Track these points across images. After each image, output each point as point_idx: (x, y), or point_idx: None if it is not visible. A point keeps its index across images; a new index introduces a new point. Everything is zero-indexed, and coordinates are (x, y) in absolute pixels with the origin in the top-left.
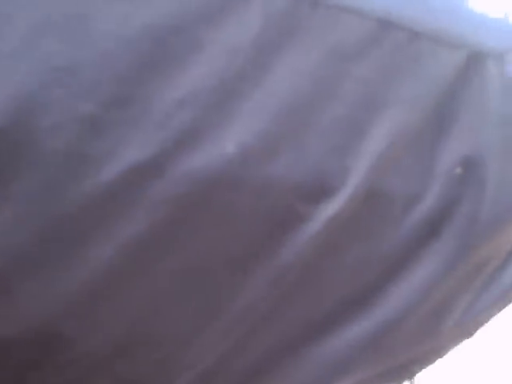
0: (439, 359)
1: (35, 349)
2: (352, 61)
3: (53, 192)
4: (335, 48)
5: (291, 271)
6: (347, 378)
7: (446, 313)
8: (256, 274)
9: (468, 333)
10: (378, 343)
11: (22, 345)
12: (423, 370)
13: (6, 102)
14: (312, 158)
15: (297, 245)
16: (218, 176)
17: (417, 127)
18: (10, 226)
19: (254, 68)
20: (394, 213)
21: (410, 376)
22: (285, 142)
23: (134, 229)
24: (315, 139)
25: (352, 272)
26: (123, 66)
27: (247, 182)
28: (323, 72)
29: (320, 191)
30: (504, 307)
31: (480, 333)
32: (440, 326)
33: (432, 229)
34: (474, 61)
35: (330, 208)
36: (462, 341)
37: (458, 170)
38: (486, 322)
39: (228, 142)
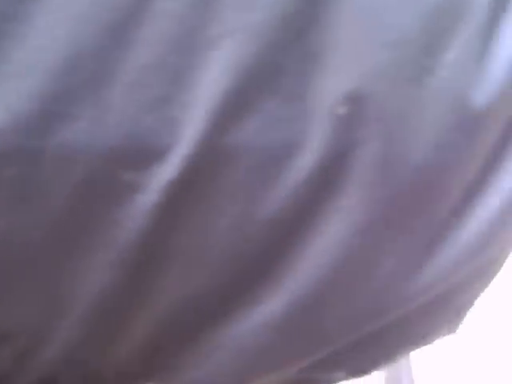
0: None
1: None
2: None
3: None
4: None
5: (135, 249)
6: (267, 367)
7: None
8: (98, 256)
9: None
10: (293, 323)
11: None
12: (423, 371)
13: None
14: (121, 115)
15: (135, 219)
16: None
17: (271, 60)
18: None
19: None
20: (261, 171)
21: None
22: (79, 100)
23: None
24: (120, 94)
25: (226, 244)
26: None
27: (33, 155)
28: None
29: (146, 153)
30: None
31: (480, 333)
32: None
33: (327, 182)
34: None
35: (166, 171)
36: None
37: (342, 110)
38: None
39: None
